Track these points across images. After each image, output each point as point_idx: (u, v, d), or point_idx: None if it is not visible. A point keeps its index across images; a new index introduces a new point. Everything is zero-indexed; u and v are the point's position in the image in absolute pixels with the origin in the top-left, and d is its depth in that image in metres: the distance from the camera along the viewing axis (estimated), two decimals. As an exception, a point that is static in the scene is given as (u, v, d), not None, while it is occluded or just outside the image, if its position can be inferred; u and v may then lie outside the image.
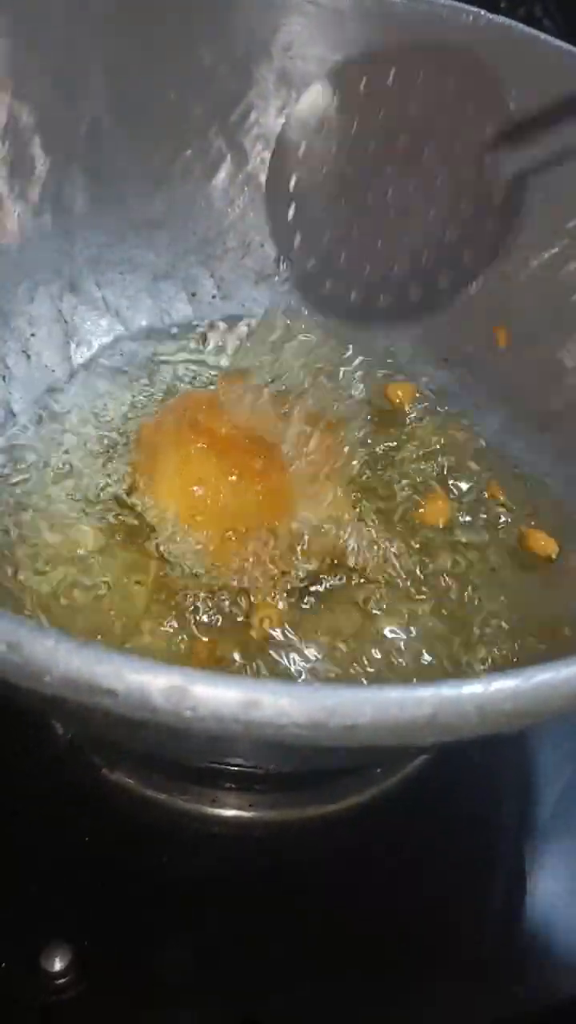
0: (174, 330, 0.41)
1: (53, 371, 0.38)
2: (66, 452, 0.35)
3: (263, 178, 0.41)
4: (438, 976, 0.32)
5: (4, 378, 0.36)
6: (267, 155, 0.41)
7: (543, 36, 0.36)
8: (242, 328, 0.41)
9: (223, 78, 0.39)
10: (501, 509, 0.36)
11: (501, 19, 0.36)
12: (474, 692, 0.16)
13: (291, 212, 0.40)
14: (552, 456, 0.37)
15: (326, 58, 0.39)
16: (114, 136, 0.39)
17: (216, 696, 0.16)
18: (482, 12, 0.36)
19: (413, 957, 0.32)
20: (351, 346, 0.41)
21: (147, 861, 0.32)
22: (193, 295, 0.42)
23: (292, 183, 0.40)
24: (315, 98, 0.39)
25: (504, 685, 0.16)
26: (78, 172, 0.38)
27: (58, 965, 0.29)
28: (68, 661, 0.16)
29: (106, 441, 0.36)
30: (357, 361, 0.40)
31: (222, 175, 0.41)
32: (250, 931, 0.32)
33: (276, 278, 0.42)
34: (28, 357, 0.38)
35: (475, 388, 0.40)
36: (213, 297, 0.42)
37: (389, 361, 0.41)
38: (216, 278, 0.42)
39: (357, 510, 0.35)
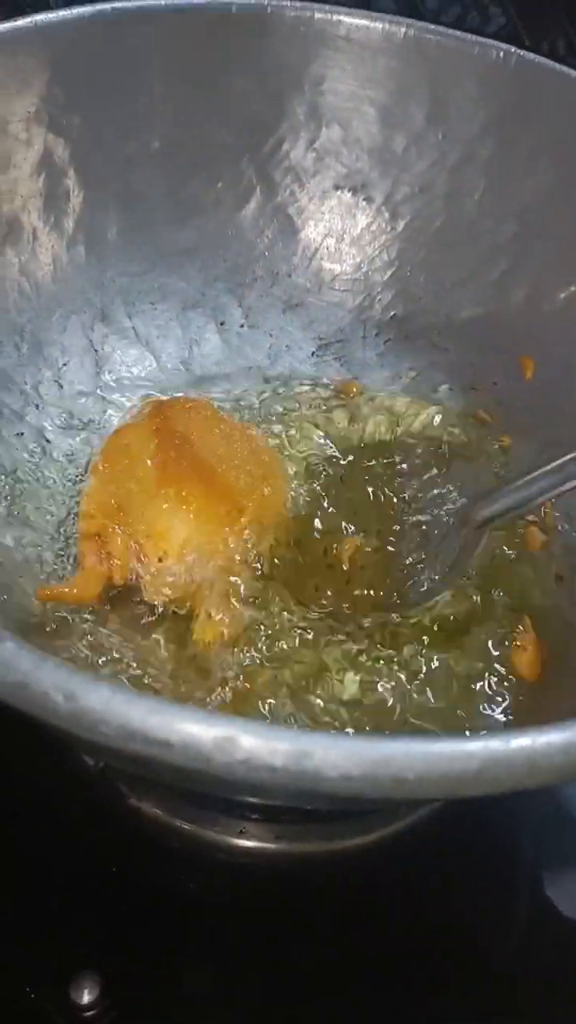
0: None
1: (84, 400, 0.39)
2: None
3: (291, 209, 0.42)
4: (463, 1005, 0.32)
5: (37, 407, 0.37)
6: (296, 187, 0.41)
7: (574, 74, 0.36)
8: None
9: (255, 110, 0.40)
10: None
11: (531, 56, 0.37)
12: (523, 745, 0.16)
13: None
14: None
15: (357, 93, 0.39)
16: (147, 167, 0.39)
17: (267, 747, 0.16)
18: (512, 49, 0.37)
19: (438, 987, 0.32)
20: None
21: (174, 890, 0.33)
22: (222, 324, 0.42)
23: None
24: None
25: (554, 739, 0.16)
26: (112, 203, 0.39)
27: (87, 997, 0.29)
28: (124, 712, 0.16)
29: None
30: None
31: (252, 205, 0.41)
32: (276, 961, 0.32)
33: (301, 307, 0.43)
34: (60, 386, 0.38)
35: (503, 417, 0.40)
36: (241, 326, 0.42)
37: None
38: (244, 307, 0.42)
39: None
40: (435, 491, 0.36)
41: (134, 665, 0.31)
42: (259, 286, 0.42)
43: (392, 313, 0.42)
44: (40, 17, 0.34)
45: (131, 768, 0.26)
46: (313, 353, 0.42)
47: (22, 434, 0.36)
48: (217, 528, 0.32)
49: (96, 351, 0.40)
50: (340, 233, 0.42)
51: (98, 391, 0.39)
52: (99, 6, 0.36)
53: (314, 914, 0.33)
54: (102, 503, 0.33)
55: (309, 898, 0.33)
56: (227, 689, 0.31)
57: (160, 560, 0.32)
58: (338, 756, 0.16)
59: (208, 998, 0.31)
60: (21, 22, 0.34)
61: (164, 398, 0.37)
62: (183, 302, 0.42)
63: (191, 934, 0.32)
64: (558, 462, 0.30)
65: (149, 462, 0.33)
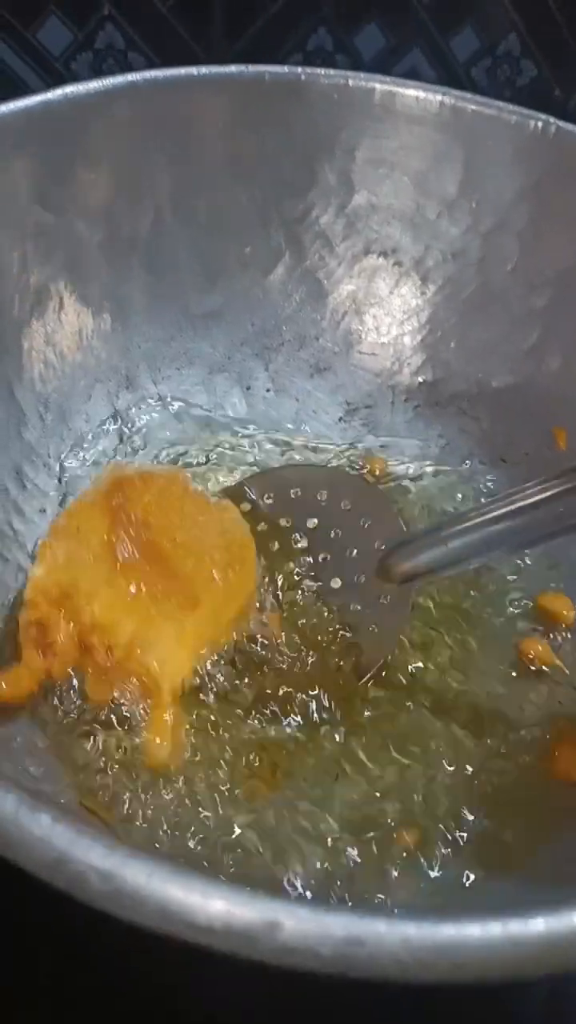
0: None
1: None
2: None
3: (320, 273, 0.41)
4: None
5: (60, 480, 0.36)
6: (325, 252, 0.40)
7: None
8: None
9: (286, 176, 0.39)
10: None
11: (571, 127, 0.36)
12: (588, 930, 0.15)
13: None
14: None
15: (389, 159, 0.38)
16: (174, 232, 0.38)
17: (317, 934, 0.15)
18: (551, 120, 0.36)
19: None
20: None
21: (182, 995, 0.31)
22: (248, 388, 0.41)
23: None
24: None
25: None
26: (138, 269, 0.38)
27: None
28: (164, 894, 0.15)
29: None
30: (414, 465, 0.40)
31: (280, 270, 0.41)
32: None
33: (328, 371, 0.42)
34: (84, 457, 0.37)
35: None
36: (267, 391, 0.41)
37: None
38: (271, 371, 0.42)
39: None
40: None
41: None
42: (286, 350, 0.42)
43: (421, 379, 0.41)
44: (71, 89, 0.34)
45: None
46: (340, 418, 0.42)
47: (45, 510, 0.35)
48: (171, 621, 0.30)
49: (121, 419, 0.39)
50: (369, 297, 0.41)
51: (121, 460, 0.38)
52: (130, 77, 0.35)
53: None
54: (47, 589, 0.30)
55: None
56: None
57: (107, 653, 0.29)
58: (393, 944, 0.15)
59: None
60: (52, 94, 0.34)
61: (128, 467, 0.34)
62: (209, 366, 0.41)
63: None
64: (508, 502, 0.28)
65: (99, 545, 0.30)
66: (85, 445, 0.37)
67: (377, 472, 0.39)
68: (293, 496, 0.36)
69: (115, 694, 0.29)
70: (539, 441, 0.39)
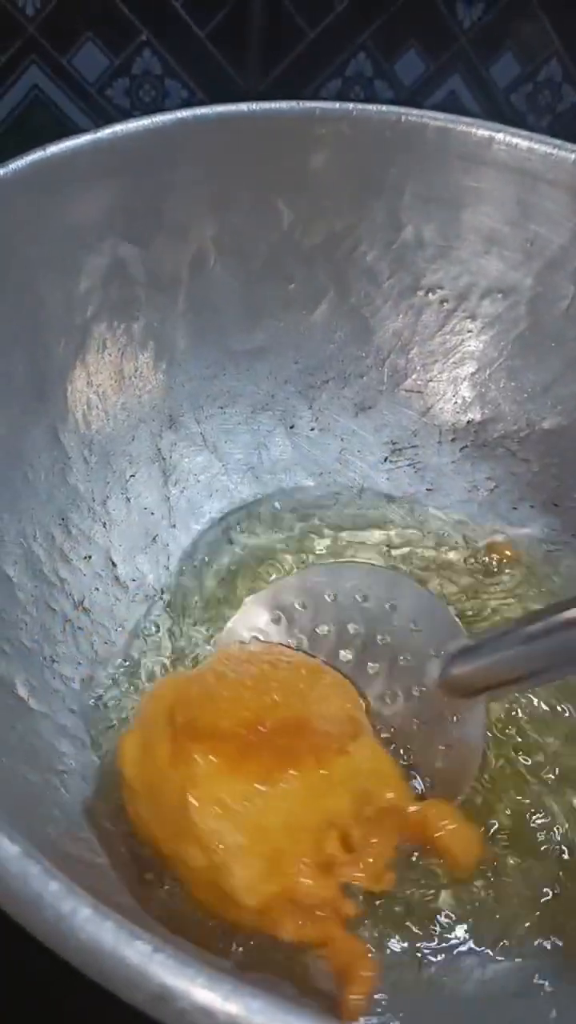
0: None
1: (152, 514, 0.37)
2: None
3: (365, 311, 0.40)
4: None
5: (105, 524, 0.35)
6: (371, 289, 0.40)
7: None
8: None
9: (333, 211, 0.38)
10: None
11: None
12: None
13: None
14: None
15: (438, 196, 0.38)
16: (219, 271, 0.38)
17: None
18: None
19: None
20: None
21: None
22: (291, 427, 0.40)
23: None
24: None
25: None
26: (181, 307, 0.37)
27: None
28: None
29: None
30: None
31: (324, 307, 0.40)
32: None
33: (373, 409, 0.41)
34: (128, 500, 0.36)
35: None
36: (312, 430, 0.41)
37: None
38: (314, 410, 0.41)
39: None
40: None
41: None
42: (330, 388, 0.41)
43: (469, 418, 0.40)
44: (119, 127, 0.33)
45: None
46: (386, 459, 0.41)
47: (90, 557, 0.34)
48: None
49: (164, 459, 0.38)
50: (415, 335, 0.40)
51: (164, 502, 0.37)
52: (179, 114, 0.34)
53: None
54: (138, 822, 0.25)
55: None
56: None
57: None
58: None
59: None
60: (101, 133, 0.33)
61: (177, 680, 0.28)
62: (252, 405, 0.40)
63: None
64: None
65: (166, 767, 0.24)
66: (128, 487, 0.36)
67: (505, 556, 0.37)
68: (328, 600, 0.32)
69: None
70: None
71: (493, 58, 0.50)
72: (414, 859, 0.28)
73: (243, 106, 0.35)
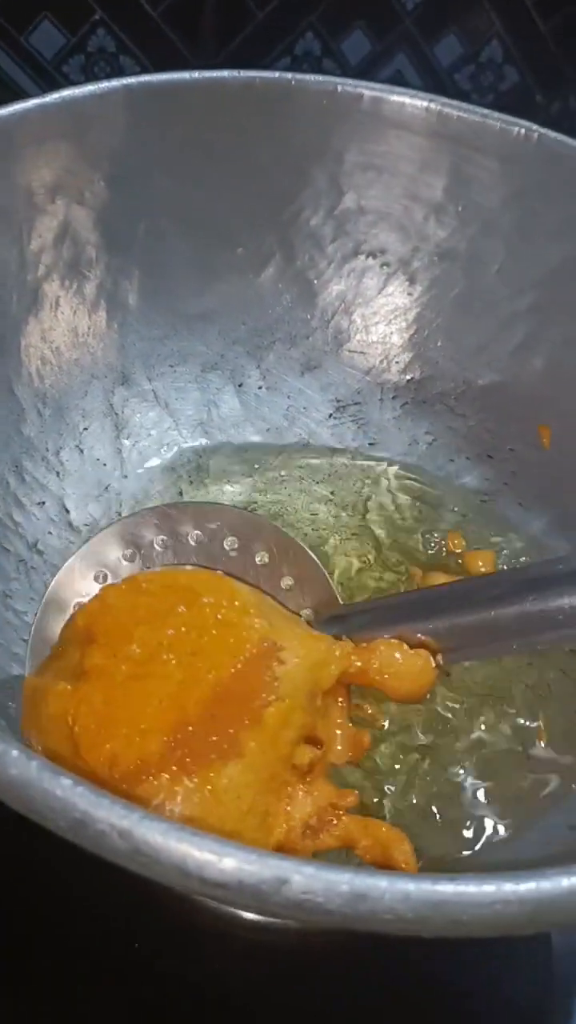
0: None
1: (104, 465, 0.39)
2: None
3: (310, 274, 0.42)
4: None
5: (59, 474, 0.37)
6: (315, 253, 0.42)
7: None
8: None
9: (278, 179, 0.40)
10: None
11: (553, 134, 0.37)
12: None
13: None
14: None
15: (377, 164, 0.39)
16: (169, 234, 0.39)
17: (323, 890, 0.16)
18: (534, 127, 0.37)
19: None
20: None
21: (195, 967, 0.33)
22: (240, 386, 0.42)
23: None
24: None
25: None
26: (133, 269, 0.39)
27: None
28: (181, 852, 0.16)
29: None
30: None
31: (271, 271, 0.42)
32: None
33: (318, 368, 0.43)
34: (81, 451, 0.38)
35: (519, 487, 0.40)
36: (259, 388, 0.42)
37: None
38: (262, 369, 0.43)
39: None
40: None
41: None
42: (277, 348, 0.43)
43: (409, 377, 0.42)
44: (67, 92, 0.35)
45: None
46: (330, 415, 0.43)
47: (44, 503, 0.36)
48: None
49: (116, 414, 0.40)
50: (358, 297, 0.42)
51: (117, 455, 0.39)
52: (124, 80, 0.36)
53: (332, 991, 0.33)
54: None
55: (328, 975, 0.33)
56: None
57: None
58: (393, 899, 0.16)
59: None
60: (48, 98, 0.34)
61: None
62: (202, 365, 0.42)
63: (210, 1005, 0.32)
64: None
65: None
66: (82, 439, 0.38)
67: (456, 548, 0.38)
68: (194, 543, 0.32)
69: None
70: (524, 439, 0.40)
71: (437, 38, 0.52)
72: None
73: (186, 74, 0.37)
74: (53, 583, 0.31)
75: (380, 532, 0.39)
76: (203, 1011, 0.31)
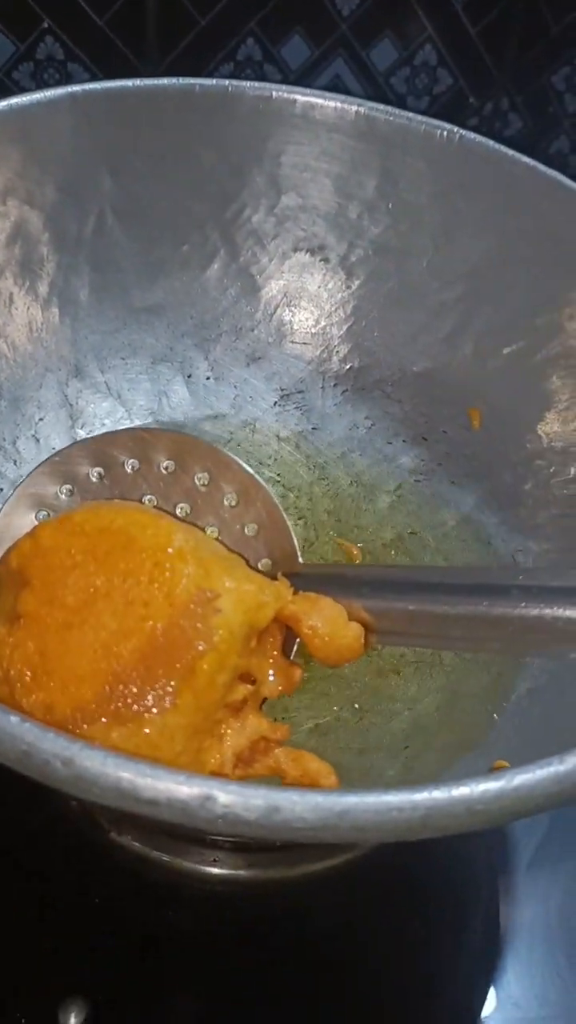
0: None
1: (59, 453, 0.41)
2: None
3: (253, 269, 0.44)
4: (421, 1015, 0.35)
5: (16, 462, 0.39)
6: (257, 249, 0.44)
7: (511, 152, 0.39)
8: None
9: (219, 179, 0.42)
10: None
11: (473, 135, 0.40)
12: (463, 794, 0.19)
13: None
14: (523, 533, 0.40)
15: (312, 165, 0.42)
16: (117, 233, 0.41)
17: (242, 804, 0.18)
18: (456, 129, 0.40)
19: (392, 1009, 0.35)
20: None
21: (154, 918, 0.35)
22: (189, 377, 0.45)
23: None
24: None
25: (489, 787, 0.19)
26: (84, 267, 0.41)
27: (75, 1020, 0.31)
28: (116, 776, 0.18)
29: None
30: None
31: (216, 266, 0.44)
32: (251, 980, 0.34)
33: (263, 359, 0.45)
34: (37, 440, 0.40)
35: (452, 467, 0.43)
36: (207, 378, 0.45)
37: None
38: (210, 360, 0.45)
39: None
40: None
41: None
42: (224, 340, 0.45)
43: (349, 366, 0.45)
44: (14, 100, 0.37)
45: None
46: (275, 403, 0.45)
47: (1, 489, 0.38)
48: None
49: (71, 405, 0.42)
50: (299, 291, 0.45)
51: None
52: (70, 88, 0.38)
53: (286, 936, 0.35)
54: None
55: (280, 921, 0.36)
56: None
57: None
58: (303, 809, 0.18)
59: (190, 1020, 0.33)
60: (5, 102, 0.36)
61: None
62: (152, 357, 0.44)
63: (171, 958, 0.34)
64: None
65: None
66: (38, 429, 0.40)
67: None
68: (165, 471, 0.31)
69: None
70: (456, 422, 0.43)
71: (373, 43, 0.55)
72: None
73: (129, 82, 0.39)
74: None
75: (324, 515, 0.42)
76: (161, 956, 0.34)
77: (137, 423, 0.43)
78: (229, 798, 0.18)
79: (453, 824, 0.19)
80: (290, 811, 0.18)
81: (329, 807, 0.19)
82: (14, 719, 0.19)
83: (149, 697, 0.22)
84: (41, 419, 0.41)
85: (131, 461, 0.31)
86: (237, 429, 0.44)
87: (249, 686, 0.26)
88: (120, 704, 0.22)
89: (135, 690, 0.22)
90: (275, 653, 0.27)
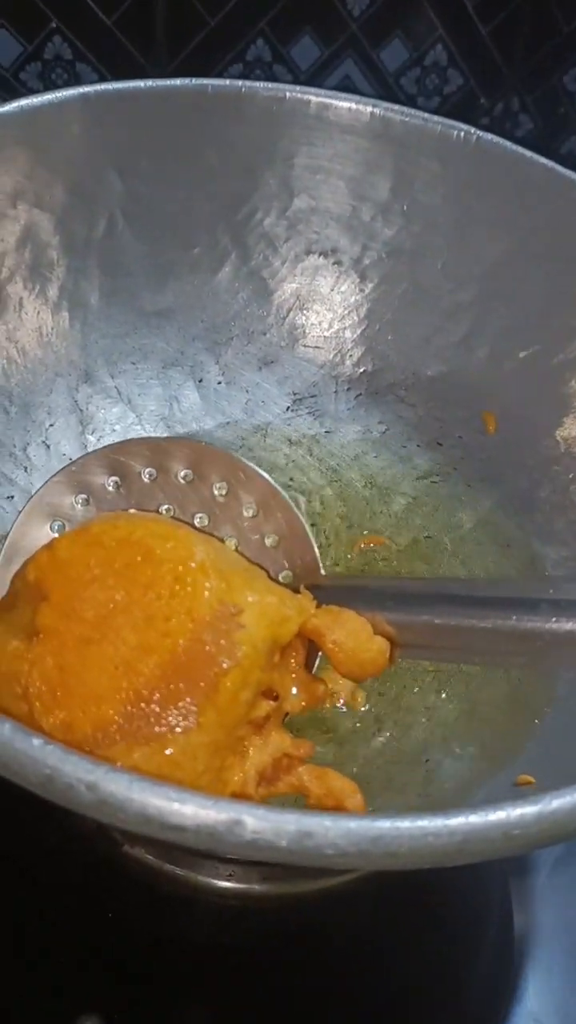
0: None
1: (70, 459, 0.40)
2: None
3: (265, 273, 0.44)
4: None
5: (26, 469, 0.38)
6: (269, 252, 0.43)
7: (527, 153, 0.39)
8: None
9: (230, 182, 0.42)
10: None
11: (489, 136, 0.39)
12: (500, 819, 0.18)
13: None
14: (540, 539, 0.39)
15: (325, 166, 0.41)
16: (127, 236, 0.41)
17: (273, 830, 0.18)
18: (472, 130, 0.39)
19: (416, 1017, 0.34)
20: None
21: (168, 932, 0.34)
22: (200, 381, 0.44)
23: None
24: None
25: (527, 811, 0.19)
26: (93, 270, 0.41)
27: (89, 1039, 0.31)
28: (142, 801, 0.18)
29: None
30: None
31: (227, 269, 0.43)
32: (266, 994, 0.34)
33: (275, 363, 0.45)
34: (47, 447, 0.40)
35: (467, 471, 0.42)
36: (219, 383, 0.44)
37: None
38: (221, 365, 0.44)
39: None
40: None
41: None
42: (235, 344, 0.44)
43: (362, 369, 0.44)
44: (24, 101, 0.36)
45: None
46: (288, 408, 0.44)
47: (12, 497, 0.37)
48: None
49: (81, 411, 0.41)
50: (311, 294, 0.44)
51: (83, 450, 0.41)
52: (81, 89, 0.37)
53: (300, 950, 0.35)
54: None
55: (295, 935, 0.35)
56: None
57: None
58: (336, 835, 0.18)
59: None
60: (7, 107, 0.36)
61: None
62: (163, 361, 0.43)
63: (184, 973, 0.33)
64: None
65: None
66: (48, 435, 0.40)
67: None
68: (182, 480, 0.31)
69: None
70: (471, 425, 0.42)
71: (383, 44, 0.54)
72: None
73: (141, 83, 0.38)
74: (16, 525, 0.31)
75: (337, 519, 0.41)
76: (175, 971, 0.33)
77: (148, 428, 0.43)
78: (259, 824, 0.18)
79: (489, 849, 0.19)
80: (322, 837, 0.18)
81: (362, 833, 0.18)
82: (36, 742, 0.18)
83: (171, 716, 0.22)
84: (51, 425, 0.40)
85: (148, 470, 0.30)
86: (249, 434, 0.44)
87: (272, 702, 0.25)
88: (142, 723, 0.22)
89: (157, 709, 0.22)
90: (298, 668, 0.26)
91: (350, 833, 0.18)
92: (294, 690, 0.26)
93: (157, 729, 0.21)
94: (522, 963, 0.36)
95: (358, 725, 0.34)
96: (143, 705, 0.22)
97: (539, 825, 0.19)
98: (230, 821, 0.18)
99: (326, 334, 0.45)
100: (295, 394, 0.45)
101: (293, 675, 0.26)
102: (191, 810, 0.18)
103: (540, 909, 0.37)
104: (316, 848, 0.18)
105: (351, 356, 0.45)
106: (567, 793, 0.19)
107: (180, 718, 0.22)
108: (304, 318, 0.45)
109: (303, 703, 0.26)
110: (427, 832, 0.18)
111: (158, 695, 0.22)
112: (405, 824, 0.18)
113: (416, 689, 0.35)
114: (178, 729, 0.22)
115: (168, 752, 0.21)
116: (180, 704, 0.22)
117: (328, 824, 0.18)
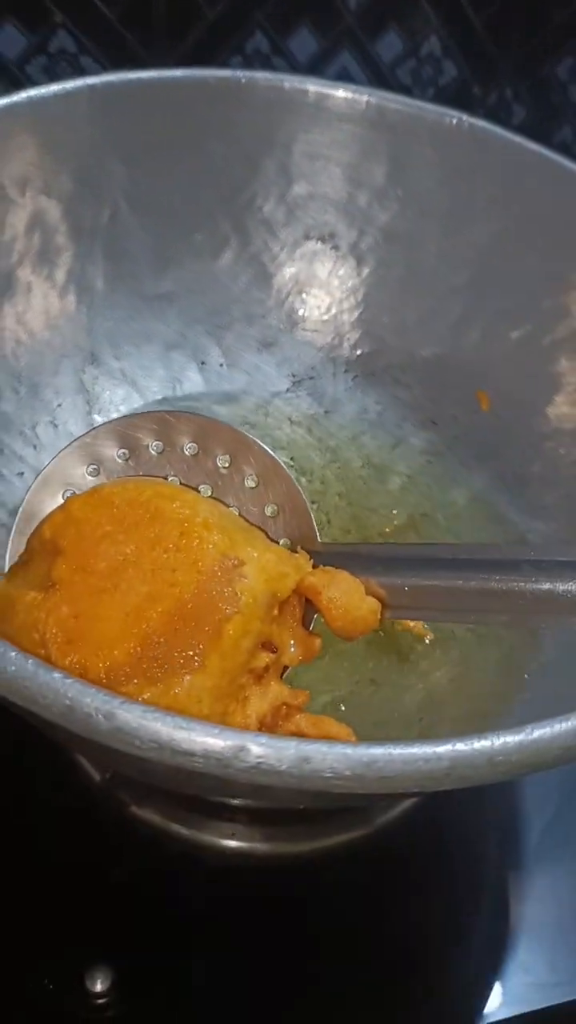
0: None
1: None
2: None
3: (264, 257, 0.45)
4: (428, 992, 0.35)
5: (35, 447, 0.40)
6: (268, 237, 0.45)
7: (518, 139, 0.40)
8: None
9: (230, 168, 0.43)
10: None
11: (481, 123, 0.40)
12: (484, 746, 0.20)
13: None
14: (530, 513, 0.41)
15: (323, 154, 0.43)
16: (131, 222, 0.42)
17: (274, 754, 0.19)
18: (464, 117, 0.40)
19: (406, 977, 0.36)
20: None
21: (174, 890, 0.36)
22: (202, 363, 0.45)
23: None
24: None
25: (509, 739, 0.20)
26: (99, 255, 0.42)
27: (100, 987, 0.32)
28: (155, 729, 0.19)
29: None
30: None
31: (228, 254, 0.45)
32: (269, 951, 0.35)
33: (275, 346, 0.46)
34: (55, 426, 0.41)
35: (461, 449, 0.44)
36: (221, 365, 0.46)
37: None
38: (223, 347, 0.46)
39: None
40: None
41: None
42: (236, 328, 0.46)
43: (359, 351, 0.46)
44: (33, 92, 0.38)
45: (148, 778, 0.28)
46: (287, 389, 0.46)
47: (23, 473, 0.39)
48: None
49: (87, 391, 0.43)
50: (310, 278, 0.46)
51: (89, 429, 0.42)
52: (88, 80, 0.39)
53: (302, 907, 0.36)
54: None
55: (297, 892, 0.37)
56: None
57: None
58: (333, 759, 0.19)
59: (208, 987, 0.34)
60: (16, 97, 0.37)
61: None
62: (166, 344, 0.45)
63: (190, 928, 0.35)
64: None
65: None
66: (56, 415, 0.41)
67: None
68: (188, 453, 0.32)
69: None
70: (465, 405, 0.44)
71: (378, 36, 0.56)
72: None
73: (143, 74, 0.40)
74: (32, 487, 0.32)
75: (336, 498, 0.43)
76: (180, 926, 0.34)
77: (152, 408, 0.44)
78: (262, 749, 0.19)
79: (475, 775, 0.20)
80: (320, 761, 0.19)
81: (357, 757, 0.19)
82: (57, 675, 0.20)
83: (178, 657, 0.23)
84: (59, 405, 0.41)
85: (155, 443, 0.31)
86: (250, 414, 0.45)
87: (271, 654, 0.27)
88: (150, 665, 0.23)
89: (164, 651, 0.23)
90: (295, 624, 0.28)
91: (346, 757, 0.19)
92: (292, 644, 0.28)
93: (165, 669, 0.23)
94: (517, 921, 0.38)
95: (355, 687, 0.35)
96: (152, 648, 0.23)
97: (520, 752, 0.20)
98: (235, 747, 0.19)
99: (324, 317, 0.46)
100: (294, 376, 0.46)
101: (291, 630, 0.28)
102: (200, 736, 0.19)
103: (533, 869, 0.39)
104: (314, 771, 0.19)
105: (349, 339, 0.46)
106: (547, 724, 0.20)
107: (186, 660, 0.23)
108: (303, 302, 0.46)
109: (300, 657, 0.28)
110: (417, 757, 0.20)
111: (165, 639, 0.23)
112: (398, 750, 0.20)
113: (412, 656, 0.36)
114: (184, 670, 0.23)
115: (175, 692, 0.23)
116: (186, 647, 0.23)
117: (325, 750, 0.19)
